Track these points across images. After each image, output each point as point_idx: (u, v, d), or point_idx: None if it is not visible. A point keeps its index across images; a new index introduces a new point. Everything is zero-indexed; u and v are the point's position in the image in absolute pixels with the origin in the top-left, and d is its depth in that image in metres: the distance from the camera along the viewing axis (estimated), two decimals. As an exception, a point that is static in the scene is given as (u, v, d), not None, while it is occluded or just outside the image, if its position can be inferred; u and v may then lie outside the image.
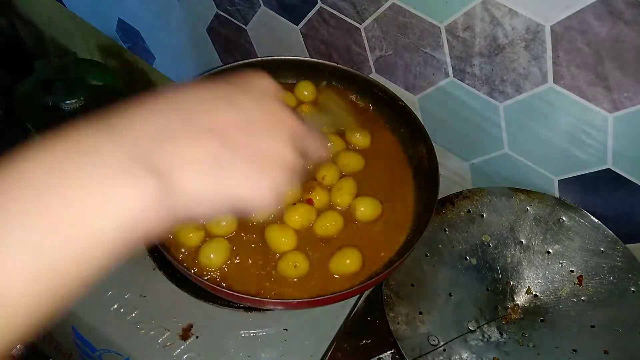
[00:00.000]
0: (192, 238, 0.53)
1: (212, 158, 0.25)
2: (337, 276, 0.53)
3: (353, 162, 0.60)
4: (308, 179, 0.57)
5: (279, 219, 0.55)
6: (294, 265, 0.51)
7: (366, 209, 0.56)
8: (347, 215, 0.57)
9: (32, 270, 0.21)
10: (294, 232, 0.54)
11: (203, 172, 0.25)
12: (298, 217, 0.54)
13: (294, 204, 0.55)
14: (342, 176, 0.59)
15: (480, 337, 0.56)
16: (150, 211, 0.23)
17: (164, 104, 0.26)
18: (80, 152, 0.23)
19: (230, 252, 0.53)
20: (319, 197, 0.56)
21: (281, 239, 0.53)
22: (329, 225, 0.55)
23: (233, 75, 0.31)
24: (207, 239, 0.53)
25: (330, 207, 0.57)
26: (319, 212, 0.56)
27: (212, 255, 0.52)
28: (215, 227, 0.54)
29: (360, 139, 0.63)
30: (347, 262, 0.53)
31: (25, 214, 0.21)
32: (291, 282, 0.52)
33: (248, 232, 0.54)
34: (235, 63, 0.63)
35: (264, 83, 0.31)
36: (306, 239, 0.55)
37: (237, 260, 0.53)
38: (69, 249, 0.21)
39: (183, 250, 0.53)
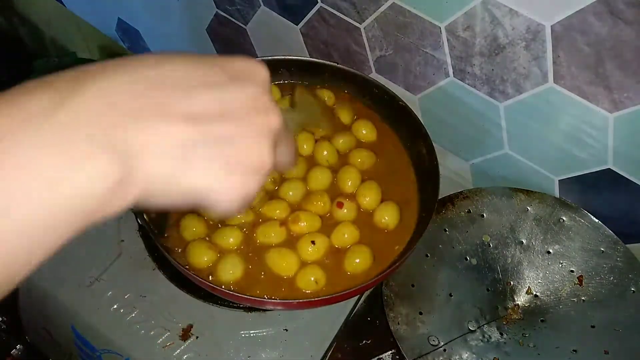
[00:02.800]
0: (206, 261, 0.52)
1: (183, 146, 0.23)
2: (349, 273, 0.53)
3: (367, 158, 0.60)
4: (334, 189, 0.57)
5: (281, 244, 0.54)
6: (315, 282, 0.51)
7: (390, 217, 0.56)
8: (365, 216, 0.57)
9: None
10: (296, 256, 0.53)
11: (170, 158, 0.23)
12: (311, 251, 0.53)
13: (313, 242, 0.53)
14: (363, 180, 0.59)
15: (481, 338, 0.56)
16: (107, 195, 0.21)
17: (138, 76, 0.23)
18: (26, 121, 0.19)
19: (244, 264, 0.52)
20: (346, 210, 0.55)
21: (282, 264, 0.52)
22: (346, 238, 0.54)
23: (225, 57, 0.27)
24: (219, 255, 0.53)
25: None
26: (337, 223, 0.55)
27: (231, 272, 0.51)
28: (223, 241, 0.53)
29: (366, 134, 0.62)
30: (356, 262, 0.53)
31: None
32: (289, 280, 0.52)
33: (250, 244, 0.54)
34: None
35: (256, 71, 0.27)
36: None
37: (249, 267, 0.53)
38: (8, 236, 0.19)
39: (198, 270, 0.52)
